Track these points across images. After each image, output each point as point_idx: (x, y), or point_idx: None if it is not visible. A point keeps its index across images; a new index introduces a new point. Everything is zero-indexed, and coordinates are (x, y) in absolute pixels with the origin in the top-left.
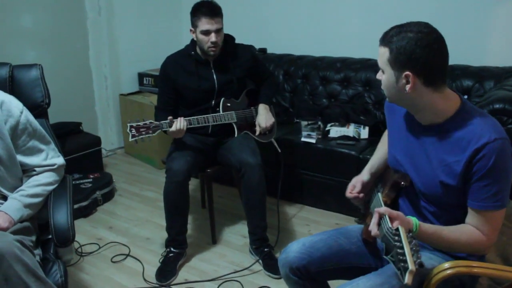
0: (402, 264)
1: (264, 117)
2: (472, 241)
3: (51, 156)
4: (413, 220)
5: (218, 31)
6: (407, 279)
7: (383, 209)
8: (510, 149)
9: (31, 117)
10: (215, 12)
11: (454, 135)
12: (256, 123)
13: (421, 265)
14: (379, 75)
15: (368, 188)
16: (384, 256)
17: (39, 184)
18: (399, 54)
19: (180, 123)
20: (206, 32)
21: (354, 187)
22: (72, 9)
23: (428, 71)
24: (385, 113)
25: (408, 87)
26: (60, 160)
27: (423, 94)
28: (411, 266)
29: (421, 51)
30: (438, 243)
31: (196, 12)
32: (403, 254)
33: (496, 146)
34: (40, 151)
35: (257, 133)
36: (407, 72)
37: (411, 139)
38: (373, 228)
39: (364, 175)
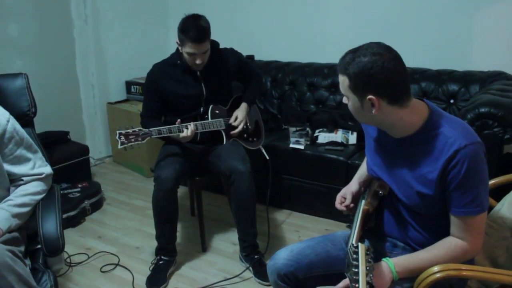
0: (354, 284)
1: (241, 112)
2: (453, 251)
3: (39, 165)
4: (389, 264)
5: (204, 52)
6: None
7: None
8: (483, 152)
9: (18, 126)
10: (202, 38)
11: (425, 145)
12: (234, 114)
13: (371, 285)
14: (345, 100)
15: (358, 197)
16: (345, 273)
17: (26, 194)
18: (358, 80)
19: (193, 127)
20: (192, 54)
21: (344, 198)
22: (58, 18)
23: (390, 90)
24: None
25: (374, 110)
26: (47, 169)
27: (390, 113)
28: (361, 286)
29: (378, 73)
30: (422, 266)
31: (184, 33)
32: (357, 274)
33: (467, 152)
34: (27, 160)
35: (231, 120)
36: (370, 96)
37: (385, 153)
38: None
39: (353, 185)
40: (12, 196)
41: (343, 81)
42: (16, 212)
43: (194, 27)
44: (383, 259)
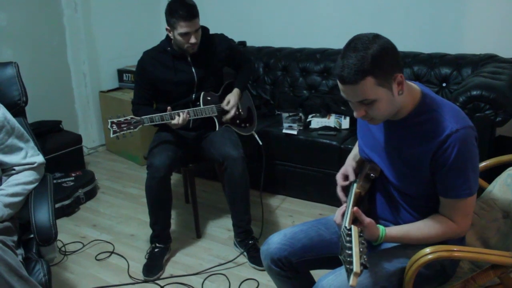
0: (348, 266)
1: (233, 97)
2: (443, 232)
3: (31, 155)
4: (381, 229)
5: (196, 31)
6: (351, 281)
7: (358, 211)
8: (474, 136)
9: (8, 115)
10: (193, 15)
11: (417, 128)
12: (226, 98)
13: (365, 266)
14: (358, 114)
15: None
16: (339, 256)
17: (19, 183)
18: (383, 66)
19: (185, 115)
20: (185, 34)
21: (345, 176)
22: (47, 6)
23: (401, 62)
24: None
25: (400, 87)
26: (39, 158)
27: (405, 89)
28: (355, 268)
29: (393, 49)
30: (411, 243)
31: (173, 14)
32: (351, 256)
33: (459, 136)
34: (19, 149)
35: (223, 104)
36: (397, 74)
37: (377, 135)
38: (337, 216)
39: (351, 162)
40: (4, 185)
41: (366, 84)
42: (8, 202)
43: (183, 6)
44: (380, 226)
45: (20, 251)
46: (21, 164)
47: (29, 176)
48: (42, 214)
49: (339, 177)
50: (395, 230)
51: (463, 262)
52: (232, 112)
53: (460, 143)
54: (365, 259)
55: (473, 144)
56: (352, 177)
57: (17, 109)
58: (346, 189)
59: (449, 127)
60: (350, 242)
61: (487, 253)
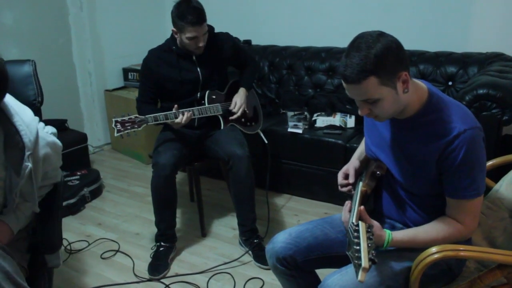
0: (356, 261)
1: (240, 98)
2: (450, 234)
3: (58, 175)
4: (387, 233)
5: (204, 34)
6: (360, 276)
7: (363, 211)
8: (482, 137)
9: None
10: (202, 20)
11: (425, 128)
12: (233, 100)
13: (373, 261)
14: (363, 112)
15: (359, 173)
16: (346, 252)
17: (39, 195)
18: (387, 66)
19: (189, 114)
20: (193, 38)
21: (345, 174)
22: (53, 5)
23: (407, 58)
24: None
25: (405, 86)
26: (58, 178)
27: (411, 87)
28: (364, 263)
29: (397, 48)
30: (418, 247)
31: (182, 19)
32: (359, 251)
33: (466, 137)
34: (49, 177)
35: (231, 107)
36: (401, 73)
37: (384, 133)
38: (345, 214)
39: (354, 161)
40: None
41: (369, 84)
42: (28, 214)
43: (191, 11)
44: (387, 230)
45: (27, 256)
46: (49, 184)
47: (47, 189)
48: (48, 222)
49: (340, 175)
50: (401, 234)
51: (470, 261)
52: (239, 113)
53: (468, 144)
54: (373, 254)
55: (481, 145)
56: (352, 179)
57: (32, 109)
58: (352, 186)
59: (456, 128)
60: (358, 237)
61: (493, 253)
